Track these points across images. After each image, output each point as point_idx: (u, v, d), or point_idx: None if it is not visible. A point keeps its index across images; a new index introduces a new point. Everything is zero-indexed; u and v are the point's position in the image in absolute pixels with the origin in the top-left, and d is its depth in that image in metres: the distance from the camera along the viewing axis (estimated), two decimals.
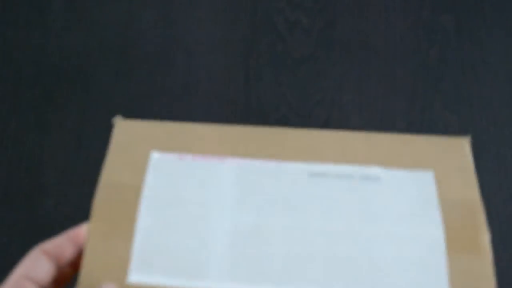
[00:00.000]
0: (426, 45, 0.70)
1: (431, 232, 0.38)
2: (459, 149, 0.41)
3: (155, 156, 0.41)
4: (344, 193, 0.39)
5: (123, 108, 0.67)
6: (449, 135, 0.42)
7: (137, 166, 0.41)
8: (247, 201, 0.39)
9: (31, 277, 0.35)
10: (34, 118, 0.66)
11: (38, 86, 0.68)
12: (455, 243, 0.38)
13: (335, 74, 0.69)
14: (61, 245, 0.37)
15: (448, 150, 0.41)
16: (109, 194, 0.39)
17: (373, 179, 0.40)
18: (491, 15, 0.71)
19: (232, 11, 0.71)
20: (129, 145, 0.42)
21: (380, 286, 0.37)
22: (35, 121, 0.66)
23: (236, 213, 0.39)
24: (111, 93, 0.68)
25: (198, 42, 0.70)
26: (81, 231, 0.38)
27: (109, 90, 0.68)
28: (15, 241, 0.62)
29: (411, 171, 0.40)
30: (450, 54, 0.70)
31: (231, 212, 0.39)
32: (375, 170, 0.40)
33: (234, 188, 0.40)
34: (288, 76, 0.69)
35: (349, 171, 0.40)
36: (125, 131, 0.43)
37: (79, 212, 0.63)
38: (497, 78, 0.69)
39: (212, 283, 0.37)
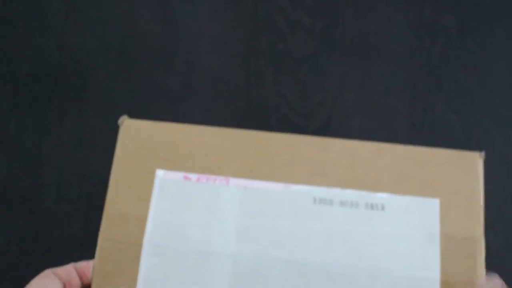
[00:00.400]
0: (428, 44, 0.70)
1: (428, 275, 0.37)
2: (472, 168, 0.39)
3: (160, 174, 0.40)
4: (347, 224, 0.38)
5: (123, 108, 0.67)
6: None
7: (142, 188, 0.40)
8: (249, 233, 0.39)
9: None
10: (34, 118, 0.66)
11: (38, 86, 0.67)
12: None
13: (337, 73, 0.69)
14: (71, 274, 0.39)
15: (460, 169, 0.39)
16: (114, 230, 0.39)
17: (378, 208, 0.39)
18: (494, 14, 0.71)
19: (232, 11, 0.71)
20: (135, 153, 0.41)
21: None
22: (35, 121, 0.66)
23: (238, 248, 0.38)
24: (111, 93, 0.67)
25: (198, 41, 0.70)
26: (89, 266, 0.39)
27: (109, 90, 0.68)
28: (14, 242, 0.62)
29: (417, 199, 0.39)
30: (452, 54, 0.69)
31: (233, 247, 0.38)
32: (381, 197, 0.39)
33: (238, 216, 0.39)
34: (289, 76, 0.68)
35: (356, 198, 0.39)
36: (131, 133, 0.42)
37: (79, 212, 0.63)
38: (500, 78, 0.69)
39: None
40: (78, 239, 0.62)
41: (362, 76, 0.69)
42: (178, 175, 0.40)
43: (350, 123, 0.66)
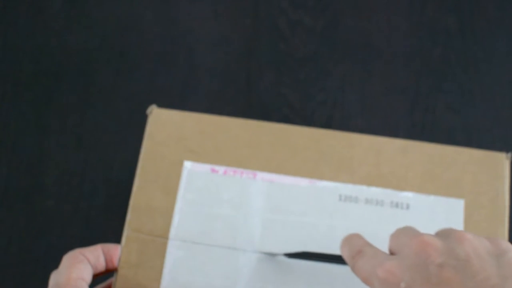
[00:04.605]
0: (429, 45, 0.70)
1: None
2: (497, 169, 0.39)
3: (188, 166, 0.40)
4: (372, 222, 0.38)
5: (124, 108, 0.67)
6: (487, 149, 0.40)
7: (169, 179, 0.39)
8: (274, 228, 0.38)
9: (85, 279, 0.37)
10: (34, 118, 0.66)
11: (38, 86, 0.67)
12: None
13: (338, 74, 0.69)
14: (99, 259, 0.39)
15: (486, 170, 0.39)
16: (140, 221, 0.39)
17: (402, 207, 0.38)
18: (495, 15, 0.71)
19: (233, 11, 0.71)
20: (162, 144, 0.41)
21: None
22: (35, 121, 0.66)
23: (262, 244, 0.38)
24: (111, 93, 0.67)
25: (199, 41, 0.70)
26: (117, 251, 0.39)
27: (110, 90, 0.68)
28: (14, 242, 0.62)
29: (442, 198, 0.38)
30: (453, 55, 0.69)
31: (258, 242, 0.38)
32: (406, 196, 0.39)
33: (263, 211, 0.39)
34: (290, 76, 0.68)
35: (381, 196, 0.39)
36: (159, 123, 0.42)
37: (79, 212, 0.63)
38: (501, 79, 0.69)
39: None
40: (78, 239, 0.62)
41: (363, 76, 0.69)
42: (205, 167, 0.40)
43: (351, 123, 0.66)
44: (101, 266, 0.39)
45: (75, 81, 0.68)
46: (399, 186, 0.39)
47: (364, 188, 0.39)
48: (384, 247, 0.36)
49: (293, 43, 0.70)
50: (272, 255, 0.37)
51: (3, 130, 0.66)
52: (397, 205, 0.38)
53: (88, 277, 0.38)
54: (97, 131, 0.66)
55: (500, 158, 0.39)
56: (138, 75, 0.68)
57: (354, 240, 0.34)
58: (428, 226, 0.37)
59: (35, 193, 0.63)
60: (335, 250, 0.38)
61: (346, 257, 0.34)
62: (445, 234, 0.32)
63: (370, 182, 0.39)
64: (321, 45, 0.70)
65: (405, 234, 0.32)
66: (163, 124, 0.42)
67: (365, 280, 0.32)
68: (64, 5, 0.71)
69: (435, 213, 0.38)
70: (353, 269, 0.33)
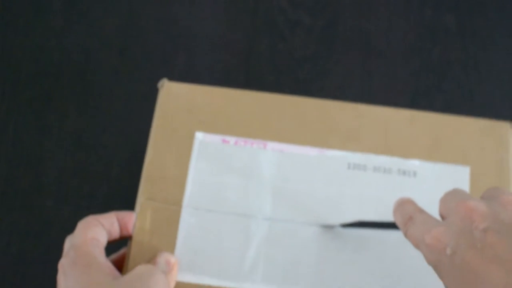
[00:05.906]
0: (429, 45, 0.70)
1: None
2: (501, 138, 0.40)
3: (199, 137, 0.41)
4: (379, 190, 0.39)
5: (123, 108, 0.67)
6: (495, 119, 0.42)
7: (181, 150, 0.41)
8: (284, 196, 0.39)
9: (100, 241, 0.38)
10: (34, 118, 0.66)
11: (38, 86, 0.67)
12: None
13: (337, 74, 0.69)
14: (113, 224, 0.39)
15: (490, 138, 0.40)
16: (153, 190, 0.40)
17: (410, 174, 0.40)
18: (494, 15, 0.71)
19: (233, 11, 0.71)
20: (174, 116, 0.42)
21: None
22: (35, 121, 0.66)
23: (273, 212, 0.39)
24: (111, 93, 0.67)
25: (199, 41, 0.70)
26: (131, 218, 0.40)
27: (109, 90, 0.68)
28: (14, 242, 0.62)
29: (448, 166, 0.40)
30: (452, 54, 0.70)
31: (269, 210, 0.39)
32: (413, 164, 0.40)
33: (274, 180, 0.40)
34: (290, 76, 0.68)
35: (388, 164, 0.40)
36: (170, 96, 0.43)
37: (79, 212, 0.63)
38: (500, 78, 0.69)
39: (246, 285, 0.38)
40: None
41: (363, 76, 0.69)
42: (216, 138, 0.41)
43: None
44: (116, 232, 0.39)
45: (74, 80, 0.68)
46: (406, 154, 0.40)
47: (372, 156, 0.40)
48: (390, 214, 0.37)
49: (293, 43, 0.70)
50: (329, 227, 0.38)
51: (3, 130, 0.66)
52: (404, 173, 0.39)
53: (103, 240, 0.38)
54: (97, 131, 0.66)
55: (504, 127, 0.40)
56: (138, 75, 0.68)
57: (405, 206, 0.35)
58: (434, 193, 0.38)
59: (35, 193, 0.63)
60: (343, 217, 0.38)
61: (399, 223, 0.35)
62: (491, 197, 0.32)
63: (377, 151, 0.40)
64: (320, 44, 0.70)
65: (452, 198, 0.33)
66: (174, 97, 0.43)
67: (416, 246, 0.33)
68: (64, 5, 0.71)
69: (442, 180, 0.39)
70: (406, 236, 0.34)
